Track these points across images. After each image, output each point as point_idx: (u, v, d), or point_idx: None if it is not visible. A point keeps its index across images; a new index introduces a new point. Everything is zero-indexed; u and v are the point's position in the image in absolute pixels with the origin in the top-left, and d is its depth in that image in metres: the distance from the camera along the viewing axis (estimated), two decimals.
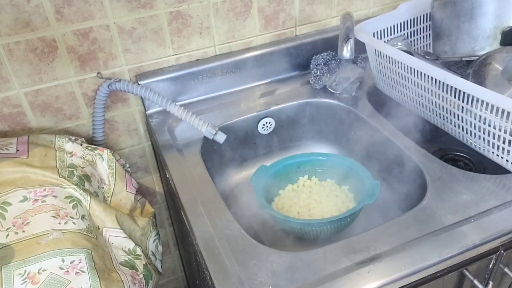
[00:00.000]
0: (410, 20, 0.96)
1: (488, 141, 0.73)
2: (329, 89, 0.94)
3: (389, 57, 0.84)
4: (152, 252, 0.82)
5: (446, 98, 0.76)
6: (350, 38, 0.85)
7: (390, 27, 0.94)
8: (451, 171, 0.73)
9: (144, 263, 0.75)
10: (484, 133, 0.73)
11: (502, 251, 0.66)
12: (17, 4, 0.74)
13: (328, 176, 0.88)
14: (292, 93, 0.97)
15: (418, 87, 0.81)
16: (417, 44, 1.00)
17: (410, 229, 0.64)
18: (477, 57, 0.81)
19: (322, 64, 0.96)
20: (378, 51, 0.87)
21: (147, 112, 0.93)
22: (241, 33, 0.94)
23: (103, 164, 0.80)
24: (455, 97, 0.74)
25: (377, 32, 0.92)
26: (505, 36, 0.81)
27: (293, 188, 0.87)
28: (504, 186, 0.70)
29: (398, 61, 0.82)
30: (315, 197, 0.83)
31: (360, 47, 0.90)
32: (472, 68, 0.79)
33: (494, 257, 0.67)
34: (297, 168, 0.88)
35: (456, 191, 0.69)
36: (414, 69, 0.79)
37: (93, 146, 0.82)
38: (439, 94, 0.77)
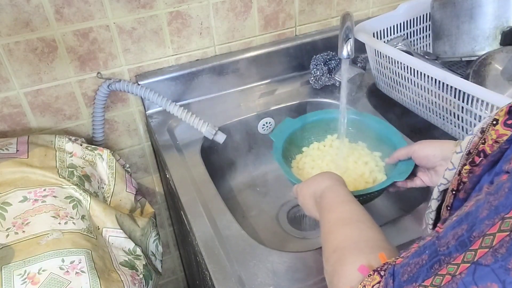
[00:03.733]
0: (410, 20, 0.96)
1: None
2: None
3: (389, 57, 0.84)
4: (152, 252, 0.82)
5: (446, 98, 0.76)
6: (350, 38, 0.85)
7: (390, 27, 0.94)
8: None
9: (144, 263, 0.75)
10: None
11: None
12: (17, 4, 0.74)
13: (360, 138, 0.79)
14: (292, 93, 0.97)
15: (418, 87, 0.81)
16: (417, 44, 1.00)
17: (410, 230, 0.64)
18: (477, 57, 0.81)
19: (322, 64, 0.96)
20: (378, 51, 0.87)
21: (147, 112, 0.93)
22: (241, 33, 0.94)
23: (103, 164, 0.80)
24: (455, 97, 0.74)
25: (377, 32, 0.92)
26: (505, 36, 0.81)
27: (318, 146, 0.80)
28: None
29: (397, 61, 0.82)
30: (340, 162, 0.76)
31: (360, 47, 0.90)
32: (472, 68, 0.79)
33: None
34: (327, 125, 0.80)
35: None
36: (414, 69, 0.79)
37: (93, 146, 0.82)
38: (439, 94, 0.77)
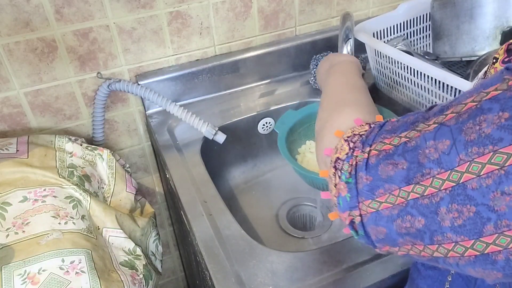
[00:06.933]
0: (410, 20, 0.96)
1: None
2: None
3: (388, 57, 0.84)
4: (152, 252, 0.82)
5: (446, 98, 0.76)
6: (350, 38, 0.85)
7: (390, 27, 0.94)
8: None
9: (144, 263, 0.75)
10: None
11: None
12: (17, 4, 0.74)
13: None
14: (292, 93, 0.97)
15: (418, 87, 0.81)
16: (417, 44, 1.00)
17: None
18: (477, 57, 0.81)
19: None
20: (378, 51, 0.87)
21: (147, 112, 0.93)
22: (241, 33, 0.94)
23: (103, 164, 0.80)
24: (455, 97, 0.74)
25: (377, 32, 0.92)
26: (505, 36, 0.81)
27: None
28: None
29: (397, 61, 0.82)
30: None
31: (360, 47, 0.90)
32: (472, 68, 0.79)
33: None
34: None
35: None
36: (414, 69, 0.79)
37: (93, 146, 0.82)
38: (439, 94, 0.77)
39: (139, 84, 0.87)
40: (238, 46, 0.96)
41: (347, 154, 0.41)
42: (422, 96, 0.82)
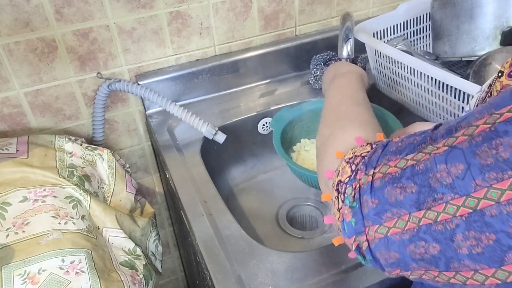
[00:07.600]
0: (410, 20, 0.96)
1: None
2: None
3: (388, 57, 0.84)
4: (152, 252, 0.82)
5: (446, 98, 0.76)
6: (350, 38, 0.85)
7: (390, 27, 0.94)
8: None
9: (144, 263, 0.75)
10: None
11: None
12: (17, 4, 0.74)
13: None
14: (292, 93, 0.97)
15: (418, 87, 0.81)
16: (417, 44, 1.00)
17: None
18: (477, 57, 0.81)
19: (322, 64, 0.96)
20: (378, 51, 0.87)
21: (147, 112, 0.93)
22: (241, 33, 0.94)
23: (103, 164, 0.80)
24: (455, 97, 0.74)
25: (377, 32, 0.92)
26: (505, 36, 0.81)
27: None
28: None
29: (397, 61, 0.82)
30: None
31: (360, 47, 0.90)
32: (472, 68, 0.79)
33: None
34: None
35: None
36: (413, 69, 0.79)
37: (93, 146, 0.82)
38: (439, 94, 0.77)
39: (139, 84, 0.87)
40: (238, 46, 0.96)
41: (349, 177, 0.39)
42: (422, 96, 0.82)
